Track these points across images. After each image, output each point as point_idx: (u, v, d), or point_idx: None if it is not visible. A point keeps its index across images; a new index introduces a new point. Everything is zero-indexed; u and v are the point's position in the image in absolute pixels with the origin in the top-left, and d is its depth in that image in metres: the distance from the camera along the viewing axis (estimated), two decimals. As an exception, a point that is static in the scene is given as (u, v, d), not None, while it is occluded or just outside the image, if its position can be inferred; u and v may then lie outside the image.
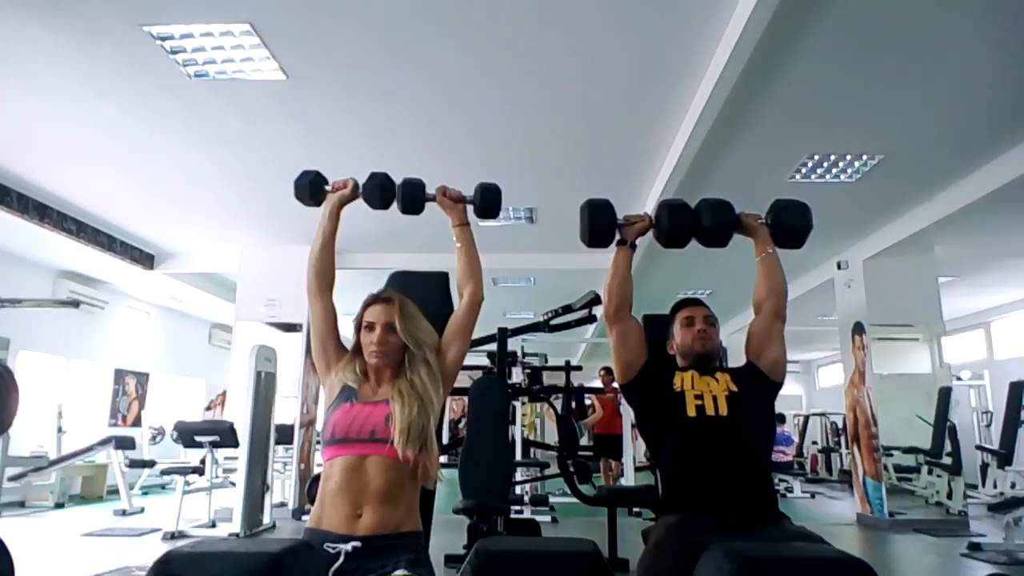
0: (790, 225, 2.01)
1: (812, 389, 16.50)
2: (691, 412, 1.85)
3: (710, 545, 1.34)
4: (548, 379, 8.30)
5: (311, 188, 1.93)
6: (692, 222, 2.02)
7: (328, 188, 1.92)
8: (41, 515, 6.35)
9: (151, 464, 7.60)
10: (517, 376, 7.20)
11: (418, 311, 1.74)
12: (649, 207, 5.30)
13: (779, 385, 1.95)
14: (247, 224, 6.27)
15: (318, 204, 1.92)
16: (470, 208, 1.92)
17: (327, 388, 1.72)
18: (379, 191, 1.91)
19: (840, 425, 11.11)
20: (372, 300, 1.73)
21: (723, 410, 1.83)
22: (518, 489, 6.27)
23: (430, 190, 1.92)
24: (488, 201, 1.92)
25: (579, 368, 8.98)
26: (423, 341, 1.70)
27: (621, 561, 3.94)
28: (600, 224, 2.01)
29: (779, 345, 1.95)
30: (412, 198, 1.92)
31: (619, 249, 2.03)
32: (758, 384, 1.93)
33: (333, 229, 1.85)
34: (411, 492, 1.61)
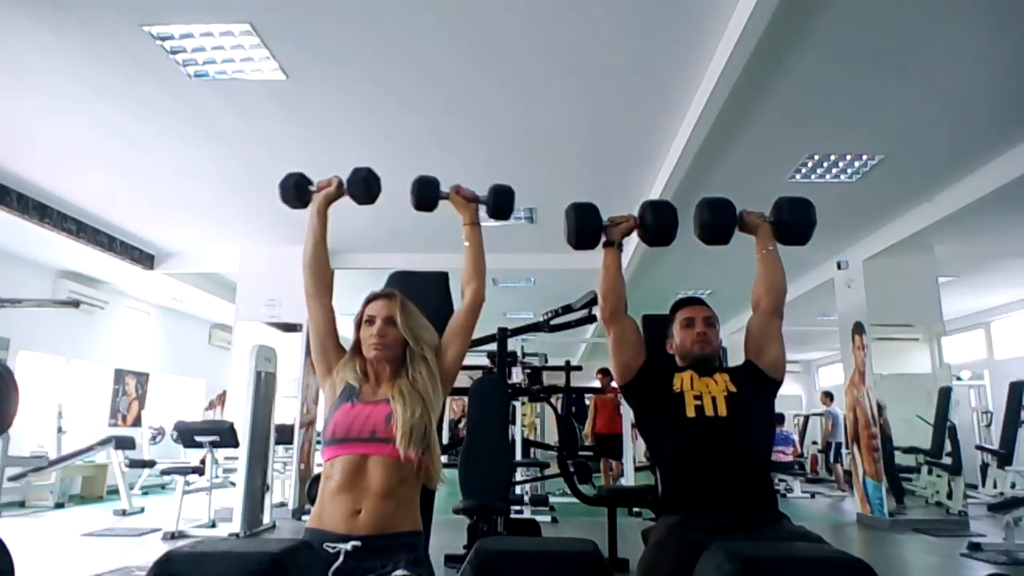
0: (794, 222, 2.00)
1: (812, 389, 16.48)
2: (690, 413, 1.85)
3: (710, 545, 1.34)
4: (548, 379, 8.30)
5: (296, 190, 1.92)
6: (694, 220, 2.02)
7: (313, 188, 1.91)
8: (41, 515, 6.35)
9: (151, 464, 7.59)
10: (517, 376, 7.20)
11: (418, 311, 1.75)
12: (649, 207, 5.29)
13: (778, 384, 1.94)
14: (247, 224, 6.27)
15: (304, 205, 1.91)
16: (482, 209, 1.93)
17: (327, 388, 1.73)
18: (363, 185, 1.90)
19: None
20: (373, 297, 1.75)
21: (722, 411, 1.83)
22: (518, 489, 6.27)
23: (444, 188, 1.92)
24: (501, 202, 1.93)
25: (579, 368, 8.98)
26: (422, 338, 1.70)
27: (621, 561, 3.94)
28: (585, 226, 2.02)
29: (778, 343, 1.95)
30: (426, 196, 1.92)
31: (607, 250, 2.03)
32: (757, 383, 1.92)
33: (323, 228, 1.85)
34: (411, 492, 1.61)
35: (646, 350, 2.03)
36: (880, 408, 6.30)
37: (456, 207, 1.91)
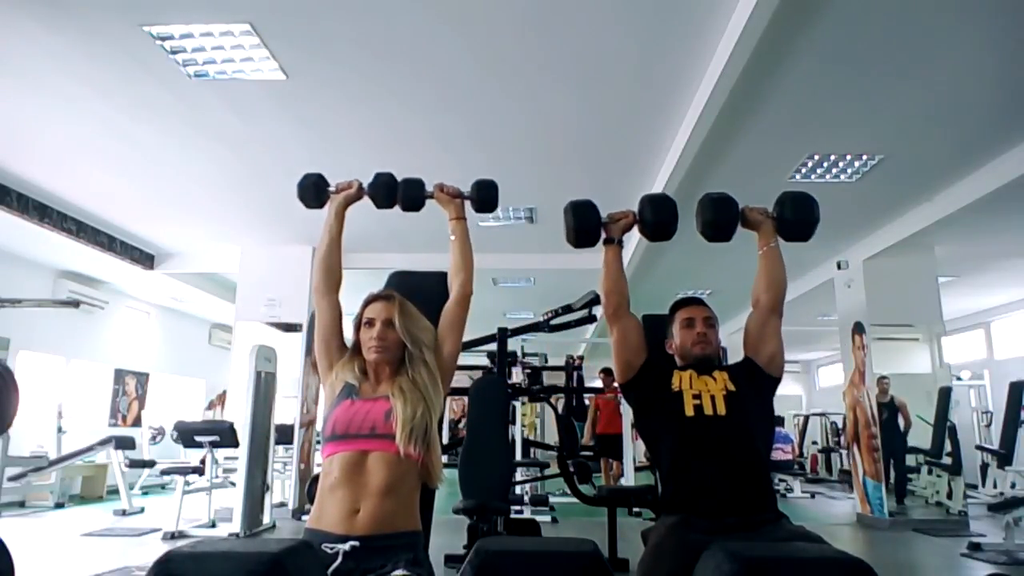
0: (797, 218, 1.99)
1: (812, 389, 16.49)
2: (689, 412, 1.84)
3: (710, 545, 1.34)
4: (548, 379, 8.30)
5: (315, 190, 1.96)
6: (696, 217, 2.02)
7: (331, 189, 1.96)
8: (41, 515, 6.35)
9: (151, 464, 7.59)
10: (517, 376, 7.20)
11: (418, 312, 1.75)
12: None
13: (777, 380, 1.94)
14: (247, 224, 6.27)
15: (321, 206, 1.96)
16: (469, 204, 1.95)
17: (328, 387, 1.73)
18: (384, 189, 1.94)
19: (840, 425, 11.11)
20: (372, 298, 1.76)
21: (721, 410, 1.83)
22: (518, 489, 6.27)
23: (428, 188, 1.96)
24: (485, 195, 1.96)
25: (581, 359, 9.00)
26: (421, 340, 1.71)
27: (621, 561, 3.94)
28: (584, 224, 2.02)
29: (776, 339, 1.95)
30: (412, 196, 1.95)
31: (607, 247, 2.03)
32: (756, 381, 1.92)
33: (339, 229, 1.89)
34: (411, 490, 1.61)
35: (648, 349, 2.03)
36: (898, 408, 6.29)
37: (441, 204, 1.94)
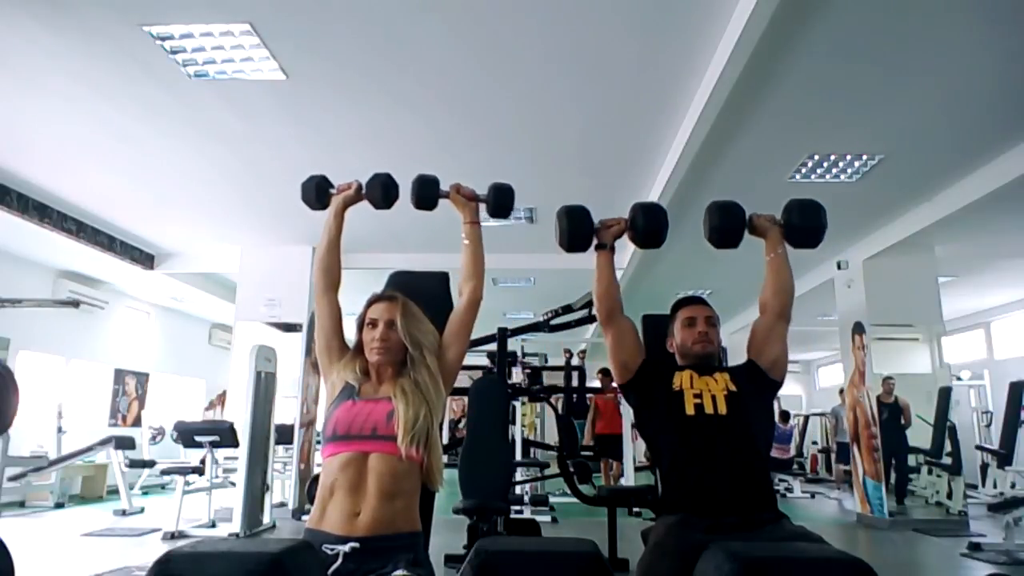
0: (804, 225, 2.00)
1: (812, 389, 16.48)
2: (690, 411, 1.84)
3: (710, 545, 1.34)
4: (548, 379, 8.29)
5: (317, 191, 1.96)
6: (704, 224, 2.02)
7: (333, 191, 1.96)
8: (41, 515, 6.35)
9: (151, 464, 7.60)
10: (517, 376, 7.20)
11: (421, 313, 1.75)
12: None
13: (779, 384, 1.95)
14: (247, 224, 6.27)
15: (324, 207, 1.96)
16: (482, 207, 1.93)
17: (329, 387, 1.74)
18: (382, 190, 1.93)
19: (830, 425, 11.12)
20: (376, 299, 1.76)
21: (722, 409, 1.83)
22: (518, 489, 6.27)
23: (444, 187, 1.94)
24: (501, 199, 1.95)
25: (582, 355, 8.99)
26: (423, 343, 1.71)
27: (621, 561, 3.94)
28: (577, 228, 2.03)
29: (781, 344, 1.95)
30: (426, 195, 1.93)
31: (599, 253, 2.04)
32: (757, 383, 1.92)
33: (339, 229, 1.89)
34: (411, 491, 1.61)
35: (645, 350, 2.03)
36: (902, 409, 6.29)
37: (456, 206, 1.92)
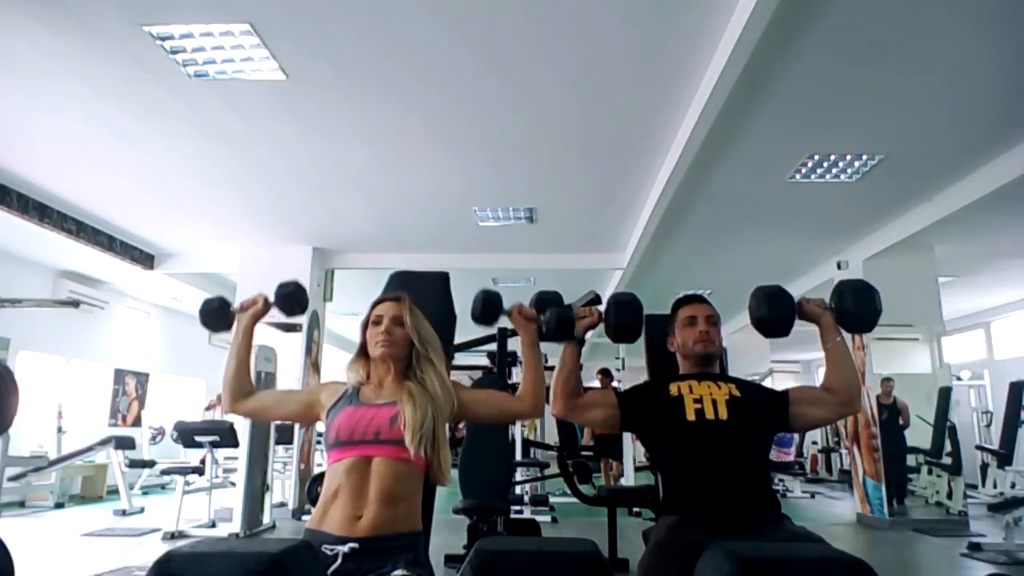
0: (858, 311, 1.88)
1: (812, 389, 16.45)
2: (690, 416, 1.83)
3: (710, 545, 1.34)
4: (548, 379, 8.26)
5: (218, 315, 1.87)
6: (750, 313, 1.93)
7: (235, 309, 1.87)
8: (41, 515, 6.35)
9: (151, 464, 7.60)
10: (517, 376, 7.20)
11: (423, 317, 1.77)
12: (649, 208, 5.30)
13: (789, 429, 1.93)
14: (247, 224, 6.27)
15: (228, 328, 1.87)
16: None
17: (324, 414, 1.71)
18: (290, 300, 1.87)
19: (840, 425, 11.10)
20: (381, 299, 1.77)
21: (723, 414, 1.82)
22: (518, 489, 6.27)
23: (507, 304, 1.87)
24: (559, 324, 1.87)
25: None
26: (428, 340, 1.72)
27: (621, 561, 3.94)
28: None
29: (824, 420, 1.98)
30: (489, 312, 1.87)
31: (567, 345, 1.94)
32: (773, 412, 1.88)
33: (248, 348, 1.84)
34: (415, 493, 1.61)
35: (617, 399, 1.97)
36: (900, 410, 6.29)
37: (516, 326, 1.86)
